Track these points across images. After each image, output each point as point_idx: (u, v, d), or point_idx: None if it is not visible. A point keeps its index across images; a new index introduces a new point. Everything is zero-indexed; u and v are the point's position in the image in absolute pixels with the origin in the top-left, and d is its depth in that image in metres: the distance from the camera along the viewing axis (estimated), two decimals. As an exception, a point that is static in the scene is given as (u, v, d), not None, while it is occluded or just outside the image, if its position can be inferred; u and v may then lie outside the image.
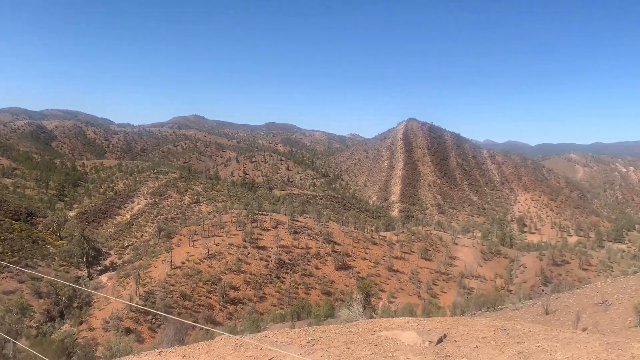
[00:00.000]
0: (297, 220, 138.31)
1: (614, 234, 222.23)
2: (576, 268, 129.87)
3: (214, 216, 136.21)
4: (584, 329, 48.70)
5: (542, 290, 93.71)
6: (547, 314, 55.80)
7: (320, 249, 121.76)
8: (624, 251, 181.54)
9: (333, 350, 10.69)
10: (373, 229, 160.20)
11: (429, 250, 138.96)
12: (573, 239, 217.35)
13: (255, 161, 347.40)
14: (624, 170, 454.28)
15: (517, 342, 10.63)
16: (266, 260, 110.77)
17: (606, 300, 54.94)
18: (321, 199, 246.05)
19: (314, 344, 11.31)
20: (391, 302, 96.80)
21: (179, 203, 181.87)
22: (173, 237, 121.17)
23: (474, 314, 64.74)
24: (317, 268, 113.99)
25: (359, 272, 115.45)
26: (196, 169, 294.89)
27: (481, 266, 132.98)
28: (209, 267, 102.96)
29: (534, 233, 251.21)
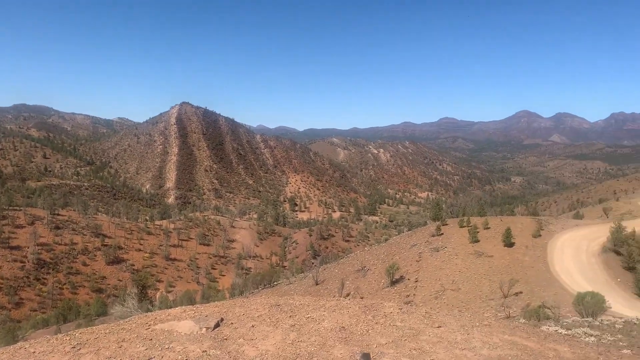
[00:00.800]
0: (58, 214, 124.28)
1: (369, 208, 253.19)
2: (340, 240, 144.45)
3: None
4: (348, 294, 54.52)
5: (313, 263, 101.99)
6: (317, 284, 61.00)
7: (88, 244, 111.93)
8: (377, 222, 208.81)
9: (103, 352, 9.85)
10: (147, 218, 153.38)
11: (207, 235, 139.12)
12: (337, 214, 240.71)
13: (2, 149, 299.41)
14: (376, 151, 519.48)
15: (290, 316, 11.25)
16: (21, 262, 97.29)
17: (365, 267, 62.48)
18: (87, 189, 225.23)
19: (80, 349, 10.24)
20: (169, 292, 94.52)
21: None
22: None
23: (252, 292, 67.16)
24: (85, 265, 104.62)
25: (134, 265, 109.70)
26: None
27: (258, 246, 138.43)
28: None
29: (304, 211, 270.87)
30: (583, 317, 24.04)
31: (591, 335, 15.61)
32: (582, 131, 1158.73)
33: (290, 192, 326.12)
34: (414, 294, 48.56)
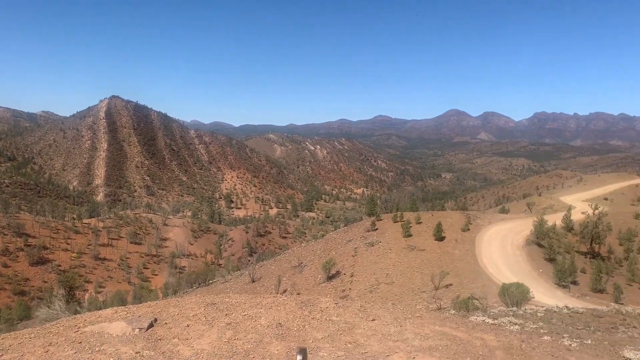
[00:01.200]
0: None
1: (306, 204, 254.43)
2: (277, 237, 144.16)
3: None
4: (285, 291, 54.64)
5: (249, 261, 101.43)
6: (253, 281, 60.73)
7: (9, 244, 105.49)
8: (314, 218, 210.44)
9: (28, 358, 9.38)
10: (75, 216, 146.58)
11: (139, 234, 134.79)
12: (274, 211, 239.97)
13: None
14: (313, 148, 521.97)
15: (226, 315, 11.16)
16: None
17: (302, 263, 62.84)
18: (8, 186, 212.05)
19: (2, 355, 9.71)
20: (99, 293, 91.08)
21: None
22: None
23: (186, 292, 65.87)
24: (5, 266, 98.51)
25: (60, 265, 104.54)
26: None
27: (192, 244, 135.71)
28: None
29: (240, 208, 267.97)
30: (508, 307, 25.36)
31: (515, 324, 16.52)
32: (508, 130, 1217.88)
33: (226, 189, 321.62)
34: (350, 289, 49.41)
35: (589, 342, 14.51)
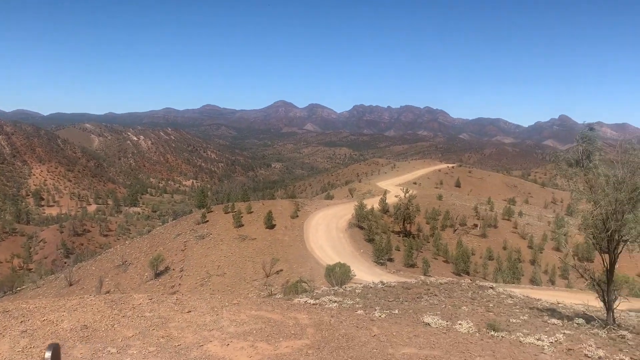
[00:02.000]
0: None
1: (130, 199, 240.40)
2: (97, 235, 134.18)
3: None
4: (107, 292, 50.98)
5: (65, 263, 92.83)
6: (71, 285, 55.64)
7: None
8: (139, 213, 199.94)
9: None
10: None
11: None
12: (93, 208, 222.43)
13: None
14: (136, 139, 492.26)
15: (21, 322, 9.94)
16: None
17: (126, 261, 59.22)
18: None
19: None
20: None
21: None
22: None
23: (-14, 303, 57.80)
24: None
25: None
26: None
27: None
28: None
29: (52, 206, 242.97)
30: (332, 287, 26.73)
31: (335, 302, 17.41)
32: (331, 121, 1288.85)
33: (35, 185, 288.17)
34: (180, 284, 48.01)
35: (397, 312, 15.90)
